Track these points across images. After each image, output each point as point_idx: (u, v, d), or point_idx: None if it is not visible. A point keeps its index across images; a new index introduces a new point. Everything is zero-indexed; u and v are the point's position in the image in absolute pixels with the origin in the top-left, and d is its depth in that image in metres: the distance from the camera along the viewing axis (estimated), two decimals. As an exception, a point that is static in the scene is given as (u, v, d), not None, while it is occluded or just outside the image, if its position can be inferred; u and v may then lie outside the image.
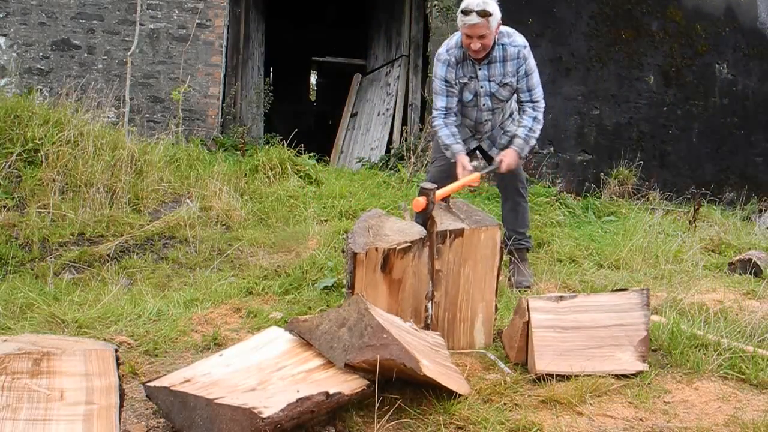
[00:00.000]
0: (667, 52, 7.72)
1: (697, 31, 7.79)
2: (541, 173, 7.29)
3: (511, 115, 3.96)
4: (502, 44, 3.65)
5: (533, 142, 3.77)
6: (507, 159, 3.66)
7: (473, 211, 3.11)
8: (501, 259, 2.93)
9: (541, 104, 3.77)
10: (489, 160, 3.96)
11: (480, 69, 3.67)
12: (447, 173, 3.83)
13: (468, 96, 3.75)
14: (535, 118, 3.72)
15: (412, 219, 3.06)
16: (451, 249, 2.79)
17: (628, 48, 7.63)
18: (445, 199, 3.22)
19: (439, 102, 3.73)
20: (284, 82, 12.00)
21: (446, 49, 3.71)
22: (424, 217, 3.00)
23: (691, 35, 7.78)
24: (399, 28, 8.35)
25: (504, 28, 3.65)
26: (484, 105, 3.77)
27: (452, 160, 3.67)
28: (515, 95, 3.82)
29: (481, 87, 3.71)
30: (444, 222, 2.86)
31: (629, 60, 7.63)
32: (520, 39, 3.69)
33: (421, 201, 2.95)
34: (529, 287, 3.78)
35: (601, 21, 7.57)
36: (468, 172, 3.53)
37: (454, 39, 3.70)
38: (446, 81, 3.70)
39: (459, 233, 2.78)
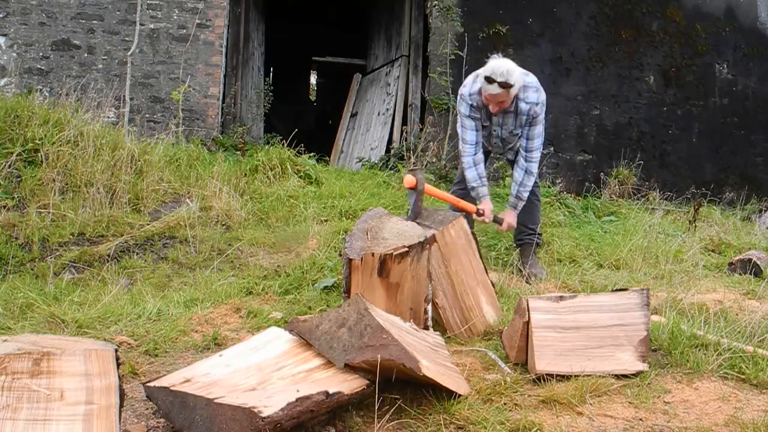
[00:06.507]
0: (667, 52, 7.72)
1: (697, 31, 7.79)
2: (541, 173, 7.28)
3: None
4: (517, 98, 3.80)
5: (526, 195, 4.02)
6: (507, 219, 3.98)
7: (433, 211, 3.24)
8: (476, 241, 3.09)
9: (536, 155, 3.97)
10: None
11: (495, 116, 3.90)
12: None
13: (485, 133, 4.02)
14: (526, 171, 3.98)
15: (408, 208, 3.19)
16: (432, 255, 2.82)
17: (628, 48, 7.63)
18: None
19: (469, 136, 3.94)
20: (284, 82, 12.00)
21: (468, 93, 3.89)
22: (418, 196, 3.12)
23: (691, 35, 7.78)
24: (399, 28, 8.35)
25: (522, 79, 3.75)
26: (495, 142, 4.06)
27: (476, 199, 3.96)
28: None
29: (494, 131, 3.98)
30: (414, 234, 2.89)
31: (629, 60, 7.63)
32: (533, 96, 3.82)
33: (410, 177, 3.20)
34: (542, 279, 3.96)
35: (601, 21, 7.57)
36: (484, 217, 3.85)
37: (477, 86, 3.83)
38: (471, 117, 3.91)
39: (432, 240, 2.84)
